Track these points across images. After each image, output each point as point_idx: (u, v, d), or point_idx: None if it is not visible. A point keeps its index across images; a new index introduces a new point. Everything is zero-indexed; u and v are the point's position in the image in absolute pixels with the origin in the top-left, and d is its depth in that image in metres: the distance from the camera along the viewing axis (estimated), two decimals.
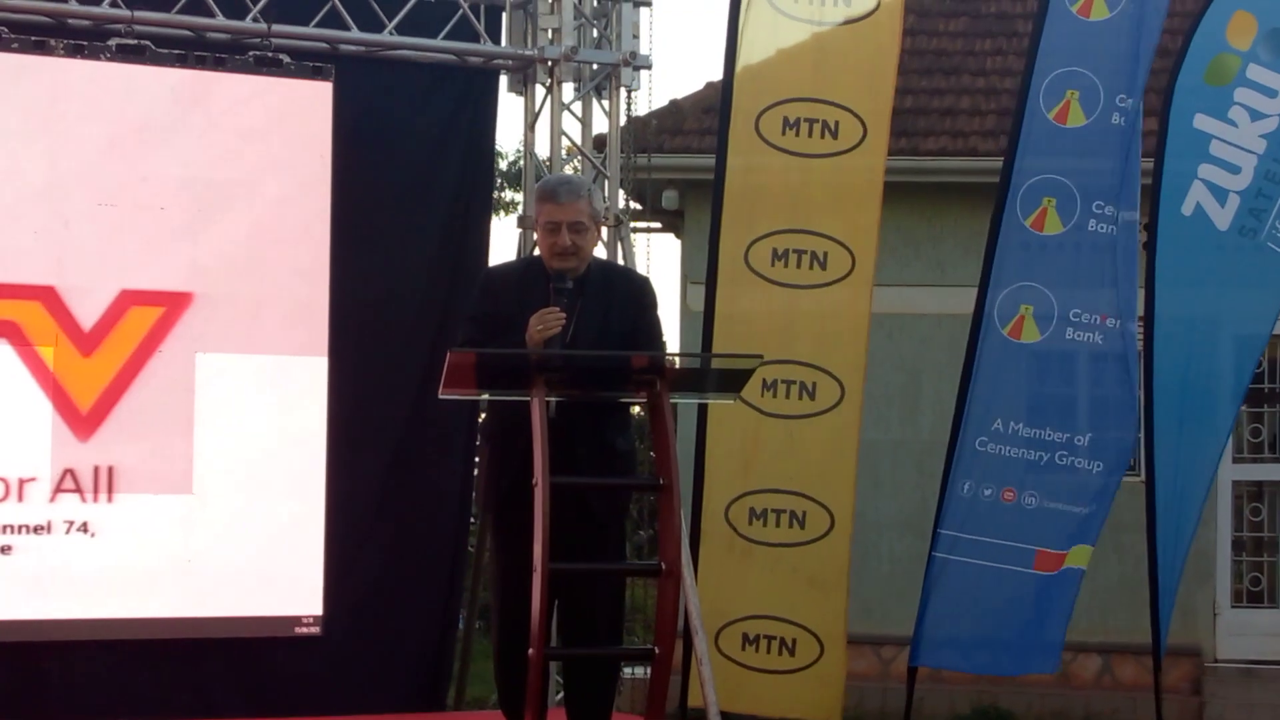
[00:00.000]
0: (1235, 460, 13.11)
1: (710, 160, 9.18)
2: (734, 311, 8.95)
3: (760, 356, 5.95)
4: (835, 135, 8.98)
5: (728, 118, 8.99)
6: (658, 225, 14.70)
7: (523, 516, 5.62)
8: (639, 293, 6.17)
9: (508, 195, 19.95)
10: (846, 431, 8.99)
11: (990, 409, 8.86)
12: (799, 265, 8.94)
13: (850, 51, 9.09)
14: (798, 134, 8.97)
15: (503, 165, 19.68)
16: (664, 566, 5.65)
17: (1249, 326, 9.62)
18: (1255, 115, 9.39)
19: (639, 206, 12.99)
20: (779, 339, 8.56)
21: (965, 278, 10.35)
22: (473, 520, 9.63)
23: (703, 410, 8.87)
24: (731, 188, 8.99)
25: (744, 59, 9.01)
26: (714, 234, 9.03)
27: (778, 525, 8.96)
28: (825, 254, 8.94)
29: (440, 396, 5.84)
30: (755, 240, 8.95)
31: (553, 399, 5.72)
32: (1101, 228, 8.85)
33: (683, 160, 13.17)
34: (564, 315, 5.86)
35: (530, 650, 5.54)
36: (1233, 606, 13.23)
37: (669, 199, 13.74)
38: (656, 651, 5.66)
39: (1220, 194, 9.39)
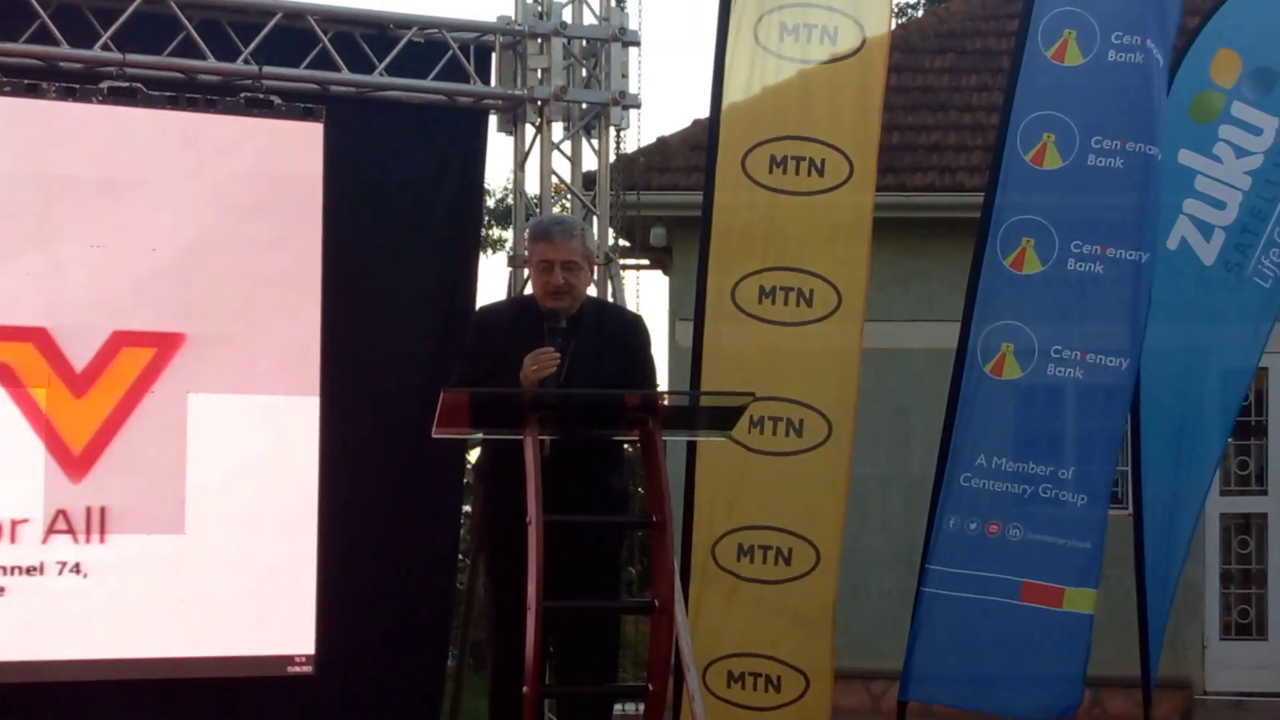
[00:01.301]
0: (1223, 493, 13.17)
1: (698, 197, 9.21)
2: (721, 349, 8.98)
3: (752, 394, 6.00)
4: (821, 173, 9.02)
5: (714, 156, 9.03)
6: (646, 262, 14.76)
7: (517, 555, 5.66)
8: (632, 331, 6.23)
9: (495, 233, 20.02)
10: (835, 468, 9.01)
11: (975, 445, 8.90)
12: (785, 302, 8.98)
13: (836, 89, 9.14)
14: (784, 171, 9.02)
15: (489, 203, 19.74)
16: (657, 604, 5.69)
17: (1235, 360, 9.70)
18: (1240, 152, 9.49)
19: (627, 244, 13.04)
20: (766, 376, 8.57)
21: (953, 313, 10.37)
22: (461, 558, 9.65)
23: (691, 448, 8.90)
24: (718, 226, 9.03)
25: (730, 97, 9.05)
26: (701, 272, 9.06)
27: (764, 562, 8.98)
28: (811, 291, 8.97)
29: (434, 436, 5.88)
30: (742, 278, 8.99)
31: (547, 438, 5.75)
32: (1082, 266, 8.91)
33: (670, 197, 13.24)
34: (558, 355, 5.90)
35: (525, 688, 5.56)
36: (1221, 639, 13.27)
37: (657, 236, 13.80)
38: (650, 689, 5.69)
39: (1205, 229, 9.47)
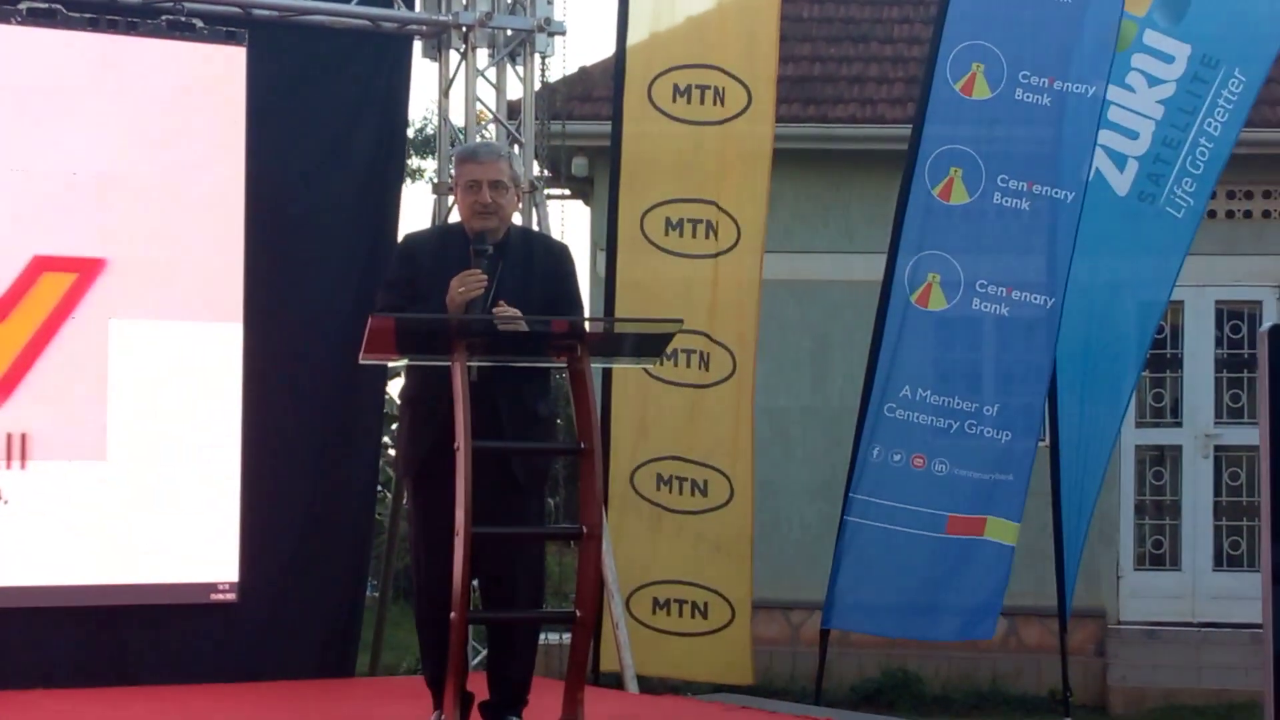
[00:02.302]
0: (1138, 425, 13.32)
1: None
2: (634, 279, 9.03)
3: (680, 321, 6.00)
4: (723, 102, 9.06)
5: (621, 86, 9.06)
6: (568, 193, 14.73)
7: (443, 482, 5.64)
8: (559, 259, 6.20)
9: (414, 162, 19.89)
10: (740, 402, 9.07)
11: (899, 376, 8.96)
12: (693, 235, 9.04)
13: (733, 18, 9.17)
14: (689, 101, 9.06)
15: (410, 133, 19.59)
16: (585, 530, 5.69)
17: (1149, 292, 9.80)
18: (1153, 81, 9.55)
19: (550, 174, 13.01)
20: (676, 307, 8.61)
21: (873, 245, 10.46)
22: (380, 488, 9.64)
23: (606, 378, 8.94)
24: (627, 156, 9.07)
25: (635, 26, 9.08)
26: (612, 202, 9.10)
27: (682, 493, 9.06)
28: (716, 223, 9.03)
29: (361, 362, 5.84)
30: (649, 209, 9.03)
31: (474, 364, 5.73)
32: (1008, 201, 8.95)
33: (592, 127, 13.19)
34: (485, 278, 5.87)
35: (452, 614, 5.56)
36: (1135, 569, 13.44)
37: (579, 166, 13.77)
38: (578, 615, 5.70)
39: (1119, 159, 9.54)
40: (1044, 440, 9.52)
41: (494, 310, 5.83)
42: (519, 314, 5.81)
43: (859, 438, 8.94)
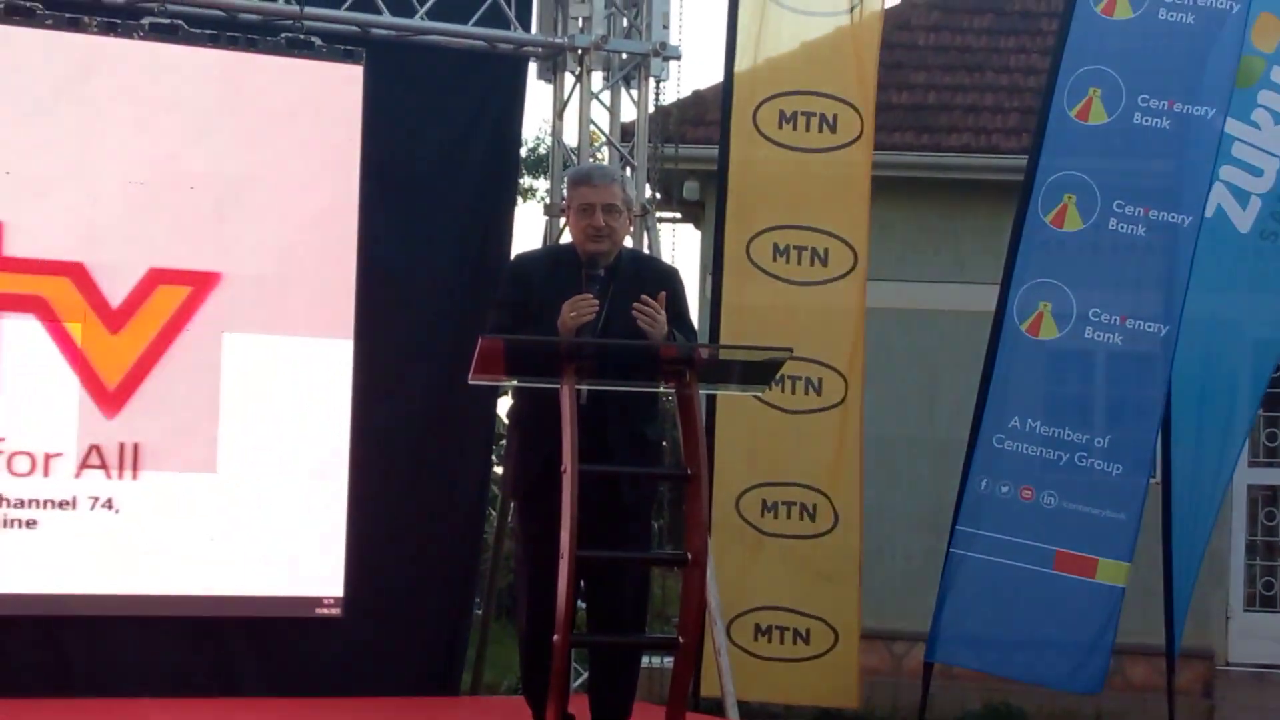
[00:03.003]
0: (1251, 464, 13.13)
1: None
2: (740, 304, 9.01)
3: (790, 350, 5.96)
4: (833, 129, 9.04)
5: (729, 111, 9.05)
6: (679, 216, 14.72)
7: (550, 504, 5.63)
8: (669, 281, 6.19)
9: (526, 181, 19.97)
10: (850, 428, 9.04)
11: (1008, 406, 8.87)
12: (799, 261, 9.01)
13: (843, 45, 9.15)
14: (794, 128, 9.05)
15: (523, 152, 19.67)
16: (690, 556, 5.66)
17: (1268, 330, 9.64)
18: (1278, 118, 9.41)
19: (662, 197, 13.01)
20: (784, 333, 8.58)
21: (984, 275, 10.37)
22: (488, 509, 9.65)
23: (711, 403, 8.91)
24: (734, 181, 9.07)
25: (742, 51, 9.08)
26: (718, 227, 9.10)
27: (788, 517, 9.01)
28: (826, 250, 9.01)
29: (470, 382, 5.85)
30: (757, 234, 9.01)
31: (584, 387, 5.73)
32: (1123, 227, 8.85)
33: (704, 151, 13.13)
34: (596, 302, 5.86)
35: (555, 636, 5.55)
36: (1245, 610, 13.25)
37: (690, 190, 13.77)
38: (681, 642, 5.68)
39: (1242, 196, 9.40)
40: (1155, 477, 9.40)
41: (635, 305, 5.80)
42: (660, 309, 5.79)
43: (967, 468, 8.85)
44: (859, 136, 9.07)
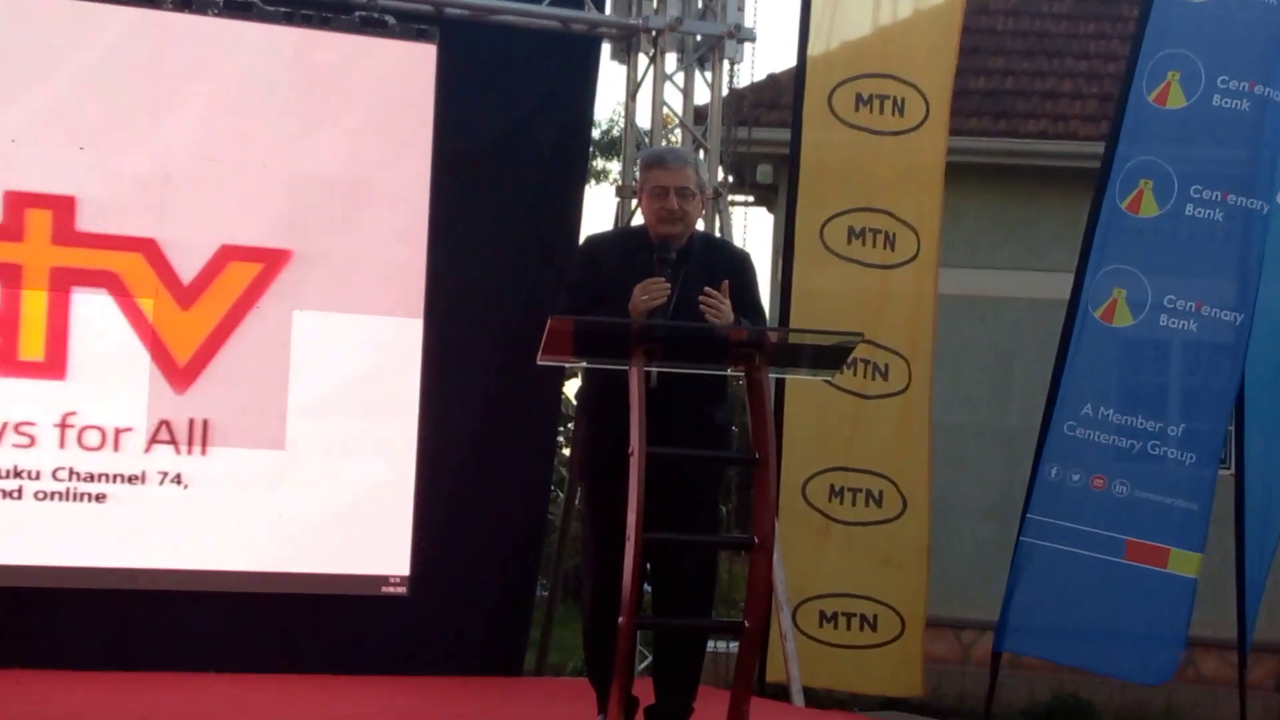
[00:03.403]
0: None
1: None
2: (811, 288, 8.96)
3: (860, 335, 5.91)
4: (902, 113, 8.98)
5: (801, 94, 8.99)
6: (752, 200, 14.68)
7: (618, 487, 5.60)
8: (740, 266, 6.13)
9: (599, 164, 19.97)
10: (918, 414, 8.98)
11: (1081, 393, 8.80)
12: (873, 244, 8.96)
13: (919, 29, 9.09)
14: (870, 110, 8.99)
15: (595, 134, 19.67)
16: (757, 540, 5.62)
17: None
18: None
19: (734, 181, 12.97)
20: (854, 317, 8.55)
21: (1059, 263, 10.29)
22: (552, 488, 9.65)
23: (780, 386, 8.87)
24: (806, 164, 9.00)
25: (816, 36, 9.01)
26: (789, 211, 9.05)
27: (855, 504, 8.97)
28: (894, 235, 8.95)
29: (539, 363, 5.82)
30: (830, 218, 8.95)
31: (653, 369, 5.70)
32: (1200, 213, 8.75)
33: (778, 134, 13.09)
34: (668, 285, 5.82)
35: (620, 618, 5.53)
36: None
37: (764, 173, 13.73)
38: (747, 625, 5.64)
39: None
40: (1229, 468, 9.30)
41: (701, 296, 5.77)
42: (724, 300, 5.75)
43: (1038, 456, 8.78)
44: (924, 121, 9.00)
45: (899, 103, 8.99)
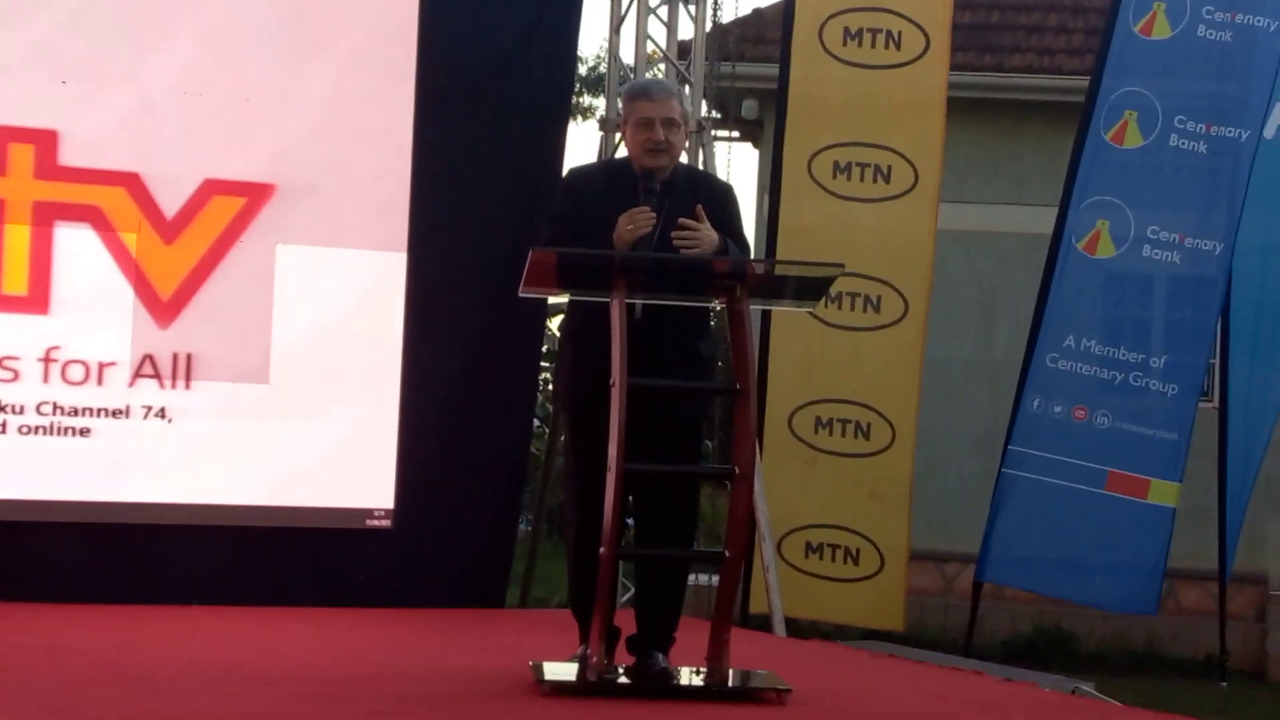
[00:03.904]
0: None
1: None
2: (798, 223, 8.98)
3: (841, 265, 5.91)
4: (898, 46, 8.96)
5: (790, 28, 8.98)
6: (737, 135, 14.67)
7: (601, 419, 5.61)
8: (723, 198, 6.13)
9: (586, 100, 19.92)
10: (910, 346, 9.01)
11: (1063, 325, 8.85)
12: (861, 178, 8.97)
13: None
14: (860, 44, 8.97)
15: (581, 70, 19.62)
16: (738, 471, 5.65)
17: None
18: None
19: (719, 115, 12.96)
20: (842, 251, 8.56)
21: (1044, 197, 10.31)
22: (537, 424, 9.66)
23: (766, 319, 8.89)
24: (795, 99, 9.01)
25: None
26: (777, 146, 9.06)
27: (843, 435, 9.01)
28: (889, 167, 8.96)
29: (520, 294, 5.83)
30: (817, 152, 8.96)
31: (638, 301, 5.71)
32: (1185, 144, 8.78)
33: (763, 70, 13.09)
34: (654, 215, 5.82)
35: (602, 549, 5.55)
36: None
37: (749, 109, 13.72)
38: (727, 556, 5.67)
39: None
40: (1212, 400, 9.35)
41: (674, 232, 5.77)
42: (701, 225, 5.75)
43: (1020, 388, 8.83)
44: (923, 53, 8.99)
45: (895, 36, 8.98)
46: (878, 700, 6.21)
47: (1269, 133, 9.11)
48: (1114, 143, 8.84)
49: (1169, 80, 8.83)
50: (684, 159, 7.82)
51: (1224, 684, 9.37)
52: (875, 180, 9.00)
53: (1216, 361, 9.25)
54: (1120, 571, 8.85)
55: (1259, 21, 8.71)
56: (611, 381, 5.54)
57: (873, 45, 9.00)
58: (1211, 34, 8.77)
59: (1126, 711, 6.69)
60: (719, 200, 6.10)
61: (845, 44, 9.01)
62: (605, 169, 6.80)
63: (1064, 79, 12.97)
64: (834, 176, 8.98)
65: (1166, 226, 8.78)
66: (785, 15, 9.09)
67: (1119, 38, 8.82)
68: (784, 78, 9.05)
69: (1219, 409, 9.31)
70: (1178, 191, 8.84)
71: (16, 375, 7.79)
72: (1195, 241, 8.76)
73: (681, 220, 5.77)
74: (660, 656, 5.94)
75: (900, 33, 9.00)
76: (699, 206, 5.80)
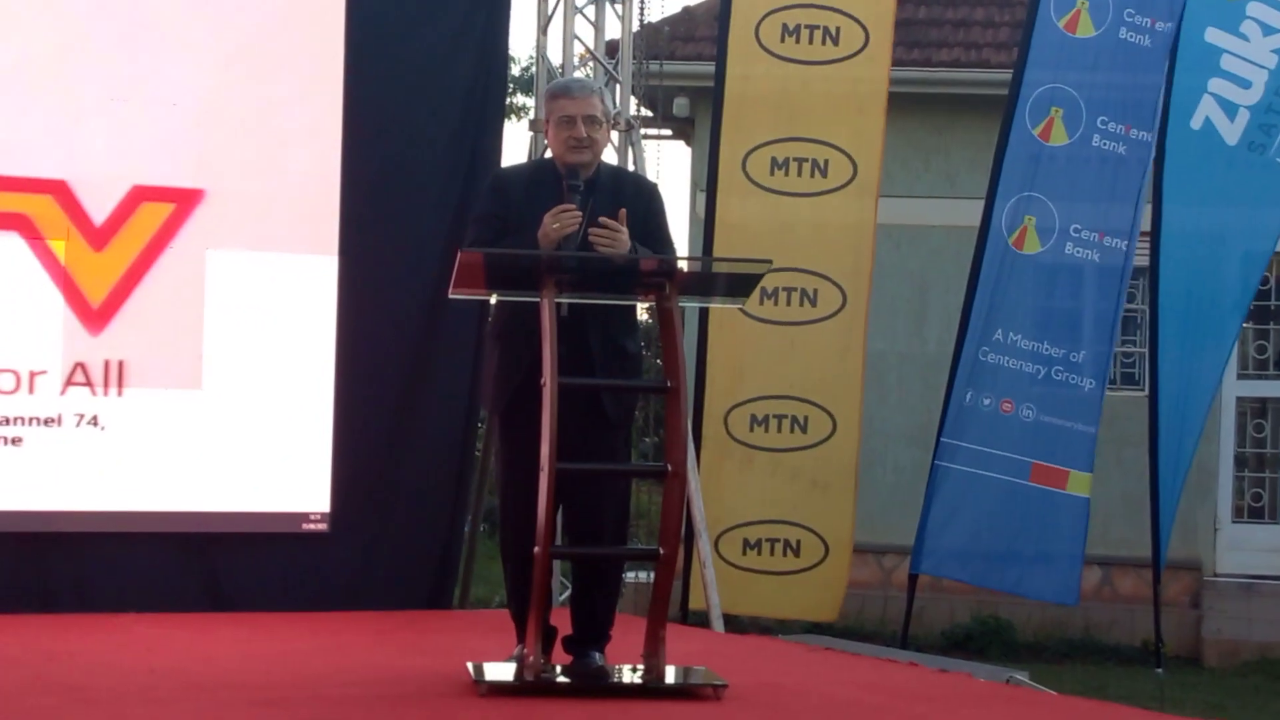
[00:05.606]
0: (1240, 376, 13.18)
1: None
2: (733, 220, 9.02)
3: (769, 261, 5.94)
4: (836, 42, 9.01)
5: (727, 25, 9.02)
6: (668, 133, 14.70)
7: (530, 417, 5.63)
8: (648, 197, 6.16)
9: (519, 100, 19.90)
10: (851, 337, 9.07)
11: (993, 319, 8.93)
12: (799, 174, 9.01)
13: None
14: (798, 41, 9.01)
15: (515, 71, 19.60)
16: (670, 468, 5.67)
17: (1254, 242, 9.67)
18: (1267, 30, 9.40)
19: (650, 113, 12.99)
20: (778, 247, 8.57)
21: (974, 190, 10.36)
22: (480, 424, 9.66)
23: (704, 321, 8.91)
24: (730, 96, 9.04)
25: None
26: (714, 143, 9.09)
27: (779, 431, 9.05)
28: (826, 161, 9.01)
29: (450, 297, 5.84)
30: (753, 149, 9.00)
31: (564, 300, 5.72)
32: (1106, 144, 8.88)
33: (694, 68, 13.15)
34: (579, 213, 5.84)
35: (536, 549, 5.57)
36: (1233, 521, 13.31)
37: (680, 106, 13.74)
38: (661, 553, 5.70)
39: (1230, 109, 9.40)
40: (1143, 390, 9.44)
41: (591, 229, 5.79)
42: (621, 227, 5.77)
43: (951, 381, 8.90)
44: (862, 48, 9.04)
45: (833, 32, 9.03)
46: (813, 693, 6.24)
47: (1195, 124, 9.22)
48: (1042, 139, 8.93)
49: (1093, 79, 8.92)
50: (614, 158, 7.85)
51: (1159, 670, 9.44)
52: (813, 175, 9.04)
53: (1147, 351, 9.32)
54: (1041, 561, 8.96)
55: (1166, 27, 8.85)
56: (542, 381, 5.56)
57: (810, 41, 9.04)
58: (1133, 37, 8.89)
59: (1060, 700, 6.75)
60: (644, 199, 6.12)
61: (783, 40, 9.04)
62: (532, 169, 6.81)
63: (991, 72, 13.04)
64: (771, 173, 9.02)
65: (1087, 224, 8.89)
66: (721, 13, 9.12)
67: (1040, 31, 8.90)
68: (720, 76, 9.08)
69: (1150, 398, 9.39)
70: (1098, 191, 8.95)
71: None
72: (1114, 241, 8.89)
73: (601, 219, 5.79)
74: (597, 655, 5.97)
75: (839, 29, 9.04)
76: (623, 211, 5.83)
